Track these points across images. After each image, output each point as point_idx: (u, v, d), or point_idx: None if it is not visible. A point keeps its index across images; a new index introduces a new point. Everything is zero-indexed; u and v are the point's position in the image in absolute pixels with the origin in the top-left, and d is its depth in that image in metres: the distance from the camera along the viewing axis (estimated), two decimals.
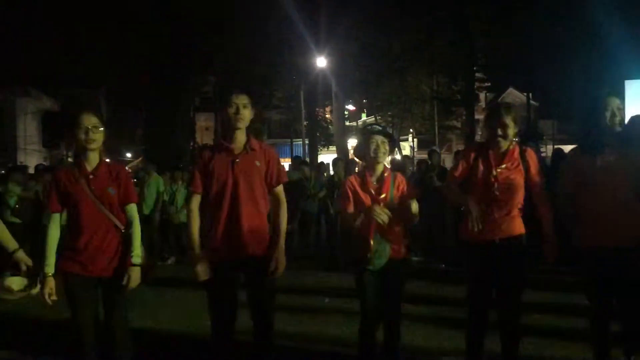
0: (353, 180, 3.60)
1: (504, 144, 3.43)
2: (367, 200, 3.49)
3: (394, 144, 3.75)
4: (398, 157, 17.56)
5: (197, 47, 28.34)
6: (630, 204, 3.29)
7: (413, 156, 30.69)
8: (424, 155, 19.51)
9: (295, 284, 6.44)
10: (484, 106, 40.61)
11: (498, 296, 3.47)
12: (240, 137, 3.28)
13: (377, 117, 35.07)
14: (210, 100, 32.73)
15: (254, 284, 3.26)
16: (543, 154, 18.22)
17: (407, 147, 33.21)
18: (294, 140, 29.21)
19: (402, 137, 33.59)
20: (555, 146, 9.72)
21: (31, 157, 27.05)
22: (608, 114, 3.36)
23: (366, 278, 3.46)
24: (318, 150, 25.40)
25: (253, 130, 3.45)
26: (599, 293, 3.41)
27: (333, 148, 24.89)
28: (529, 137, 21.96)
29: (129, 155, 44.91)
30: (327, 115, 30.19)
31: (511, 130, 3.39)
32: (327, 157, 24.55)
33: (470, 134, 25.52)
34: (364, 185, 3.54)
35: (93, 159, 3.29)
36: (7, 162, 22.96)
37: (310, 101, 24.03)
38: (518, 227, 3.47)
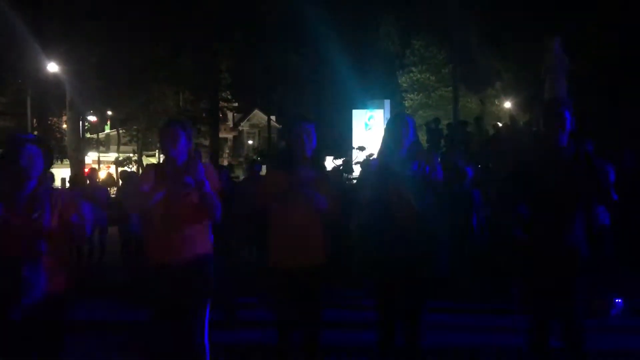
0: None
1: None
2: None
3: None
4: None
5: None
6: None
7: None
8: None
9: None
10: (231, 125, 41.97)
11: None
12: None
13: (121, 131, 33.48)
14: None
15: None
16: None
17: (153, 161, 32.30)
18: None
19: (148, 153, 32.54)
20: None
21: None
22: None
23: None
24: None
25: None
26: None
27: (67, 162, 22.86)
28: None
29: None
30: (63, 126, 27.70)
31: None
32: (61, 171, 22.41)
33: (214, 152, 25.96)
34: None
35: None
36: None
37: (41, 109, 21.80)
38: None
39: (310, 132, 3.56)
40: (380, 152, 3.70)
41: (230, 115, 39.19)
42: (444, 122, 16.96)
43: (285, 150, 3.71)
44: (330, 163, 11.25)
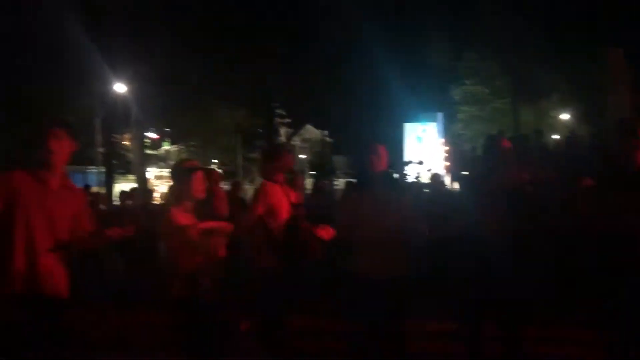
0: None
1: None
2: None
3: None
4: None
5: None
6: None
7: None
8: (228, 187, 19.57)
9: None
10: (284, 140, 42.57)
11: None
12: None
13: (180, 147, 34.59)
14: None
15: None
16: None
17: None
18: (89, 167, 27.45)
19: (205, 167, 33.38)
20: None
21: None
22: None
23: None
24: (114, 179, 24.19)
25: None
26: None
27: (131, 177, 23.89)
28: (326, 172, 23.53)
29: None
30: (125, 142, 28.94)
31: None
32: (125, 185, 23.45)
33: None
34: None
35: None
36: None
37: (107, 127, 22.89)
38: None
39: (380, 153, 3.85)
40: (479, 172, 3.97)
41: (282, 130, 39.86)
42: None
43: (361, 172, 4.00)
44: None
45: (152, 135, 32.27)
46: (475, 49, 29.97)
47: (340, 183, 21.48)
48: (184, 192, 3.73)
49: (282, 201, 4.27)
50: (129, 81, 20.38)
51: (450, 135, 26.34)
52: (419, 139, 24.97)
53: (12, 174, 3.16)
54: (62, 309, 3.16)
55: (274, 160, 4.51)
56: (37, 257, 3.04)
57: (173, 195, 3.94)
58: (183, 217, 3.65)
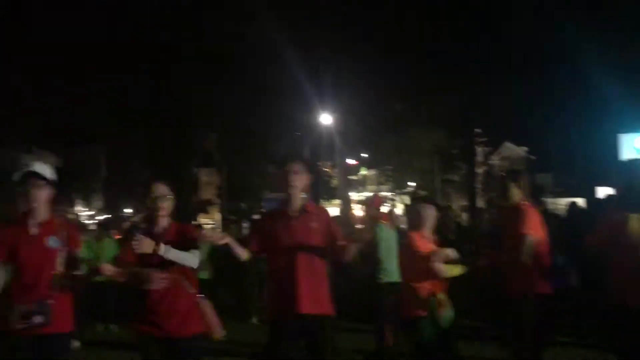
0: None
1: None
2: None
3: None
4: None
5: (197, 104, 28.98)
6: None
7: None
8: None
9: None
10: (481, 160, 41.30)
11: None
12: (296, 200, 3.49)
13: (377, 171, 35.76)
14: (212, 156, 33.20)
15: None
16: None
17: (405, 201, 33.56)
18: None
19: (403, 191, 34.01)
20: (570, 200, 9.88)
21: None
22: None
23: None
24: (320, 204, 25.71)
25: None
26: None
27: (336, 201, 25.18)
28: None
29: (129, 210, 44.89)
30: (326, 169, 30.68)
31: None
32: (331, 210, 24.80)
33: (469, 189, 25.94)
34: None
35: (161, 223, 3.47)
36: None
37: (313, 156, 24.48)
38: None
39: None
40: None
41: (479, 149, 38.79)
42: None
43: (625, 193, 3.73)
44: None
45: (351, 161, 33.79)
46: None
47: (551, 203, 20.05)
48: (422, 219, 4.07)
49: (540, 224, 4.15)
50: (333, 112, 21.69)
51: None
52: (638, 150, 22.47)
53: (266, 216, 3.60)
54: None
55: (519, 180, 4.40)
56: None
57: (412, 221, 4.27)
58: (422, 243, 3.96)
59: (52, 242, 3.24)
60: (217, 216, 29.78)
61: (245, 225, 13.93)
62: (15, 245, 3.20)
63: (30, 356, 3.12)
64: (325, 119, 21.74)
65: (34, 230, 3.25)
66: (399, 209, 27.95)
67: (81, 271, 3.42)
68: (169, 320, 3.28)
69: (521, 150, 32.24)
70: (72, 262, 3.32)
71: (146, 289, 3.26)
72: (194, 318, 3.35)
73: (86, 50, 25.89)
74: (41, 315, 3.09)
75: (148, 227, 3.48)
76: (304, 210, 3.47)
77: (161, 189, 3.43)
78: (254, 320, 8.41)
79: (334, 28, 20.55)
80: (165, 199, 3.41)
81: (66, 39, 24.50)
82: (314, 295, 3.34)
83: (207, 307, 3.43)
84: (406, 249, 4.11)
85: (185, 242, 3.37)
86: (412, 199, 4.43)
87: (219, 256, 7.69)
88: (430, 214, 4.11)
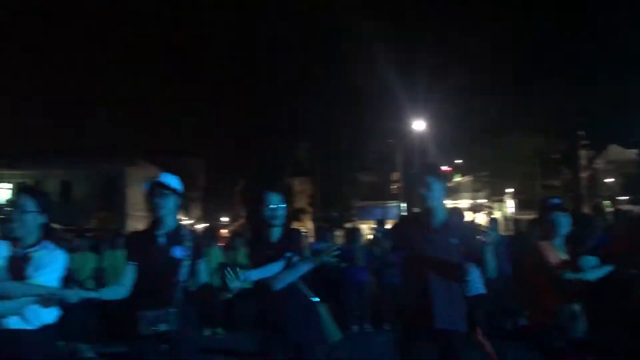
0: None
1: None
2: None
3: None
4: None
5: (289, 115, 29.47)
6: None
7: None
8: (526, 216, 18.57)
9: None
10: (584, 164, 39.02)
11: None
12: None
13: (471, 178, 34.64)
14: (303, 165, 33.69)
15: None
16: None
17: (503, 207, 32.24)
18: (388, 202, 29.20)
19: (497, 198, 32.69)
20: None
21: (136, 222, 28.56)
22: None
23: None
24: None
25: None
26: None
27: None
28: None
29: (225, 219, 46.52)
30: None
31: None
32: None
33: (574, 194, 24.51)
34: None
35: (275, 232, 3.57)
36: (118, 227, 24.33)
37: (405, 163, 24.08)
38: None
39: None
40: None
41: (582, 152, 36.69)
42: None
43: None
44: None
45: (444, 167, 32.97)
46: None
47: None
48: (552, 229, 3.80)
49: None
50: (426, 118, 21.23)
51: None
52: None
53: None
54: None
55: None
56: None
57: (541, 230, 3.99)
58: (552, 254, 3.73)
59: (177, 251, 3.29)
60: (310, 224, 30.25)
61: (337, 233, 13.91)
62: (143, 253, 3.28)
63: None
64: (419, 125, 21.29)
65: (161, 240, 3.31)
66: (497, 216, 26.98)
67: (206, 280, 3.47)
68: (288, 324, 3.37)
69: (631, 153, 30.00)
70: (195, 271, 3.38)
71: (265, 294, 3.38)
72: (312, 322, 3.43)
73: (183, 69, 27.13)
74: (166, 322, 3.16)
75: (256, 235, 3.63)
76: (444, 224, 3.42)
77: (275, 199, 3.53)
78: (354, 329, 8.28)
79: (427, 33, 20.23)
80: (279, 208, 3.52)
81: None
82: (448, 310, 3.30)
83: (324, 311, 3.48)
84: (533, 259, 3.80)
85: (297, 248, 3.50)
86: (543, 208, 4.10)
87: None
88: (564, 222, 3.82)
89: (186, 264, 3.29)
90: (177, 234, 3.35)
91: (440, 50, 19.94)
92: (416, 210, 3.66)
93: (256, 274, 3.39)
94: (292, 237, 3.56)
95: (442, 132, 21.53)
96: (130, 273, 3.26)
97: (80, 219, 29.55)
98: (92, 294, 3.23)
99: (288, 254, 3.42)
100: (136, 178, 30.98)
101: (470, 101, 20.60)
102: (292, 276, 3.39)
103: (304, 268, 3.42)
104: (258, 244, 3.60)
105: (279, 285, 3.36)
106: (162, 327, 3.15)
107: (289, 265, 3.39)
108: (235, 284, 3.24)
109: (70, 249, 8.67)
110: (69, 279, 6.79)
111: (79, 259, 7.85)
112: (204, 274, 3.43)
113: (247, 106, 29.40)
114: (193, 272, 3.35)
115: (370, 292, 8.75)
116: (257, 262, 3.46)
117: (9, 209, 3.10)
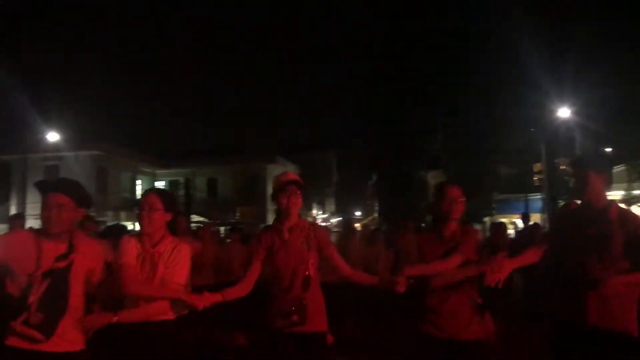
0: None
1: None
2: None
3: None
4: None
5: (426, 108, 28.96)
6: None
7: None
8: None
9: None
10: None
11: None
12: None
13: (626, 167, 31.57)
14: (438, 157, 32.93)
15: None
16: None
17: None
18: (529, 195, 27.66)
19: None
20: None
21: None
22: None
23: None
24: (558, 205, 23.60)
25: None
26: None
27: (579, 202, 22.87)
28: None
29: (358, 213, 47.08)
30: (563, 167, 28.03)
31: None
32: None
33: None
34: None
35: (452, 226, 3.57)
36: (261, 223, 25.59)
37: (548, 153, 22.64)
38: None
39: None
40: None
41: None
42: None
43: None
44: None
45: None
46: None
47: None
48: None
49: None
50: (572, 105, 19.78)
51: None
52: None
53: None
54: None
55: None
56: None
57: None
58: None
59: (303, 245, 3.39)
60: None
61: (475, 227, 13.43)
62: (272, 249, 3.42)
63: (292, 352, 3.29)
64: (564, 112, 19.88)
65: (287, 235, 3.43)
66: None
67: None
68: (452, 323, 3.30)
69: None
70: (322, 263, 3.44)
71: (428, 290, 3.36)
72: (475, 322, 3.34)
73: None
74: (298, 315, 3.25)
75: (433, 229, 3.57)
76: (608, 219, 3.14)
77: (454, 192, 3.49)
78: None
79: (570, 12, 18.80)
80: (457, 202, 3.47)
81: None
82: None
83: (486, 312, 3.37)
84: None
85: (472, 245, 3.45)
86: None
87: None
88: None
89: (312, 256, 3.38)
90: (302, 228, 3.45)
91: (588, 31, 18.43)
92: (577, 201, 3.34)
93: (427, 269, 3.37)
94: (468, 233, 3.51)
95: (590, 119, 19.87)
96: (257, 268, 3.42)
97: (225, 213, 31.75)
98: (217, 297, 3.29)
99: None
100: (276, 174, 32.38)
101: (619, 85, 18.75)
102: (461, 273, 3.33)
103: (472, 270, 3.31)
104: (431, 237, 3.55)
105: (446, 280, 3.32)
106: (295, 319, 3.24)
107: (463, 263, 3.32)
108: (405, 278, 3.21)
109: (220, 241, 9.30)
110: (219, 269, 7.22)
111: (228, 250, 8.25)
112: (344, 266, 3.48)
113: (382, 99, 29.25)
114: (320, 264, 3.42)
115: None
116: (431, 256, 3.43)
117: (137, 207, 3.26)
